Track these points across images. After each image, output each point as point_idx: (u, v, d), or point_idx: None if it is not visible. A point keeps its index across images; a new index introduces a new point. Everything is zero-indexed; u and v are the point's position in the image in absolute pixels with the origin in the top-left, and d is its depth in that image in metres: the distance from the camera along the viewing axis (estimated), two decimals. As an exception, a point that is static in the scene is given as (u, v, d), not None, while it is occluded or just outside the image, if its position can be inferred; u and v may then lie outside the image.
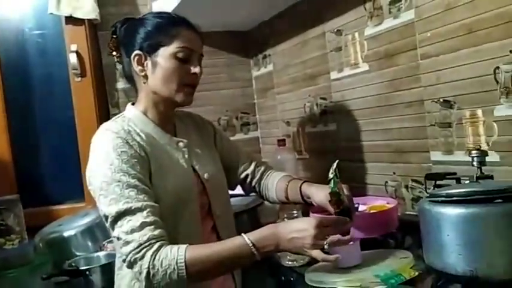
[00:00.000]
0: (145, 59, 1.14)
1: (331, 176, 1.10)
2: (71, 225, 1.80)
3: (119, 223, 1.00)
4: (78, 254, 1.72)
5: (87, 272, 1.54)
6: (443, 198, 0.87)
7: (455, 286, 0.90)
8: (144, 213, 0.99)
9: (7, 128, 1.99)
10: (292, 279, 1.24)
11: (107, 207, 1.01)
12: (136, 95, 1.21)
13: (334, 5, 1.71)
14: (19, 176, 2.01)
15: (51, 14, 1.92)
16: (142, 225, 0.98)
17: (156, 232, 0.99)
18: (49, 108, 2.08)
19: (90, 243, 1.79)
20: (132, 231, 0.98)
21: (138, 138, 1.10)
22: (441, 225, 0.86)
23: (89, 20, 1.99)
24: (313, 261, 1.26)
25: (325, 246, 1.01)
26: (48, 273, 1.49)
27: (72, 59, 1.97)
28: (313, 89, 1.94)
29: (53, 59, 2.08)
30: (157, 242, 0.98)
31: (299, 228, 1.01)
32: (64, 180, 2.05)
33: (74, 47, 1.98)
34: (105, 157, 1.04)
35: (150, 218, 0.99)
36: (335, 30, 1.74)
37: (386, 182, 1.59)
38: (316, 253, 1.01)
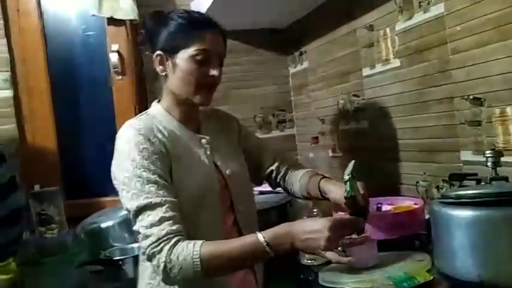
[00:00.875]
0: (166, 60, 1.16)
1: (346, 177, 1.07)
2: (110, 217, 1.88)
3: (140, 217, 1.03)
4: (115, 244, 1.80)
5: (120, 262, 1.61)
6: (452, 200, 0.83)
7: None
8: (164, 208, 1.02)
9: (54, 123, 2.12)
10: (310, 278, 1.23)
11: (129, 201, 1.05)
12: (161, 90, 1.24)
13: (365, 1, 1.67)
14: (64, 169, 2.13)
15: (94, 15, 2.02)
16: (161, 220, 1.01)
17: (174, 227, 1.01)
18: (92, 105, 2.18)
19: (126, 235, 1.86)
20: (151, 225, 1.01)
21: (160, 135, 1.13)
22: (449, 227, 0.83)
23: (129, 20, 2.07)
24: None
25: (339, 248, 1.00)
26: (83, 263, 1.57)
27: (113, 58, 2.06)
28: (345, 86, 1.90)
29: (96, 58, 2.18)
30: (175, 236, 1.00)
31: (313, 229, 1.00)
32: (105, 174, 2.14)
33: (115, 47, 2.07)
34: (127, 153, 1.08)
35: (169, 213, 1.02)
36: (366, 26, 1.70)
37: (418, 182, 1.53)
38: (330, 254, 1.00)
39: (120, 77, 2.10)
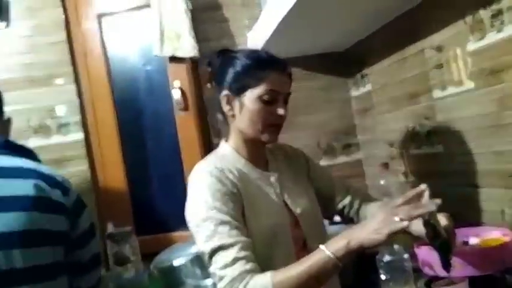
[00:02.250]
0: (233, 99, 1.17)
1: None
2: (181, 253, 1.90)
3: (214, 259, 1.04)
4: (188, 281, 1.81)
5: (196, 300, 1.62)
6: None
7: None
8: (236, 248, 1.02)
9: (123, 161, 2.19)
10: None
11: (203, 244, 1.06)
12: (228, 129, 1.24)
13: (432, 20, 1.60)
14: (134, 206, 2.19)
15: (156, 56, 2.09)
16: (234, 261, 1.01)
17: (248, 266, 1.01)
18: (158, 140, 2.24)
19: (198, 271, 1.87)
20: (225, 266, 1.02)
21: (230, 176, 1.14)
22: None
23: (189, 57, 2.12)
24: None
25: (396, 218, 0.96)
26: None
27: (176, 95, 2.11)
28: (415, 108, 1.82)
29: (159, 94, 2.24)
30: (248, 275, 1.00)
31: (370, 220, 1.03)
32: (173, 208, 2.18)
33: (177, 84, 2.13)
34: (199, 196, 1.10)
35: (242, 253, 1.02)
36: (435, 46, 1.62)
37: (503, 210, 1.42)
38: (395, 226, 0.97)
39: (183, 113, 2.14)
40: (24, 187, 1.01)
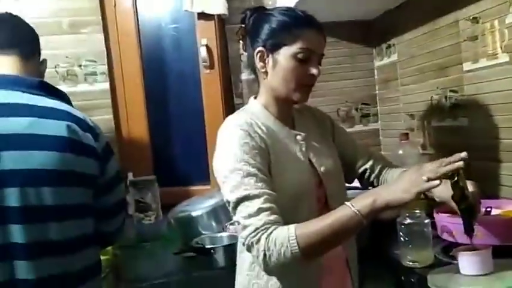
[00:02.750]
0: (267, 56, 1.17)
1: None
2: (198, 206, 1.95)
3: (239, 208, 1.05)
4: (203, 232, 1.87)
5: (212, 251, 1.67)
6: None
7: None
8: (262, 199, 1.04)
9: (147, 115, 2.21)
10: (412, 280, 1.21)
11: (229, 193, 1.08)
12: (258, 86, 1.25)
13: (471, -9, 1.59)
14: (155, 159, 2.23)
15: (186, 10, 2.08)
16: (259, 211, 1.02)
17: (272, 217, 1.02)
18: (181, 97, 2.26)
19: (214, 224, 1.92)
20: (250, 216, 1.03)
21: (259, 131, 1.15)
22: None
23: (218, 15, 2.11)
24: (436, 264, 1.22)
25: (424, 178, 0.97)
26: (179, 249, 1.64)
27: (203, 52, 2.11)
28: (442, 81, 1.82)
29: (185, 52, 2.24)
30: (272, 226, 1.01)
31: (398, 180, 1.04)
32: (193, 164, 2.23)
33: (204, 41, 2.12)
34: (228, 148, 1.11)
35: (267, 205, 1.03)
36: (470, 17, 1.61)
37: (524, 185, 1.45)
38: (426, 185, 0.97)
39: (208, 71, 2.15)
40: (57, 128, 1.04)
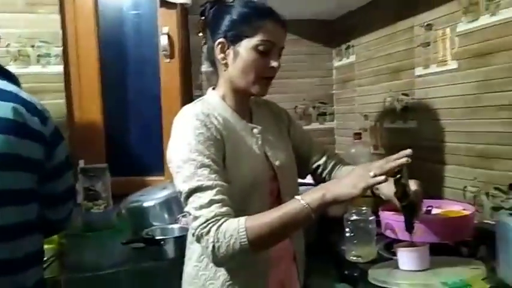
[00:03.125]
0: (228, 48, 1.16)
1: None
2: (151, 197, 1.92)
3: (190, 199, 1.05)
4: (155, 224, 1.85)
5: (162, 242, 1.65)
6: (524, 212, 0.82)
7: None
8: (214, 191, 1.03)
9: (101, 100, 2.16)
10: (355, 274, 1.24)
11: (181, 184, 1.07)
12: (217, 79, 1.25)
13: (426, -2, 1.65)
14: (108, 146, 2.18)
15: (148, -3, 2.04)
16: (211, 203, 1.02)
17: (223, 209, 1.02)
18: (139, 84, 2.21)
19: (166, 215, 1.90)
20: (201, 207, 1.02)
21: (215, 122, 1.14)
22: (519, 240, 0.82)
23: (180, 3, 2.08)
24: (378, 259, 1.27)
25: (371, 174, 1.00)
26: (127, 239, 1.61)
27: (163, 40, 2.08)
28: (395, 84, 1.88)
29: (146, 39, 2.20)
30: (222, 217, 1.01)
31: (347, 176, 1.06)
32: (148, 154, 2.20)
33: (165, 30, 2.09)
34: (183, 137, 1.10)
35: (219, 196, 1.03)
36: (424, 24, 1.67)
37: (466, 186, 1.52)
38: (372, 180, 1.00)
39: (168, 60, 2.12)
40: (2, 109, 1.00)
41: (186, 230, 1.72)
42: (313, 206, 1.01)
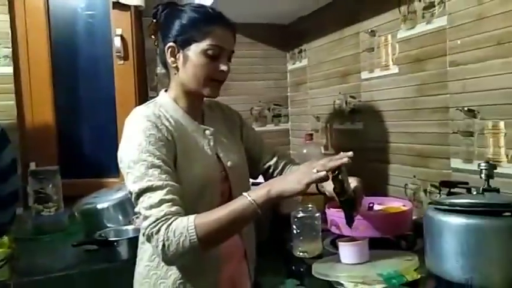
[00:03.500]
0: (178, 52, 1.19)
1: None
2: (105, 198, 1.92)
3: (141, 199, 1.07)
4: (109, 225, 1.84)
5: (115, 243, 1.66)
6: (446, 207, 0.90)
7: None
8: (164, 191, 1.06)
9: (53, 101, 2.13)
10: (301, 269, 1.30)
11: (132, 184, 1.08)
12: (169, 80, 1.27)
13: (370, 6, 1.73)
14: (61, 148, 2.15)
15: (101, -2, 2.04)
16: (161, 202, 1.04)
17: (173, 208, 1.05)
18: (92, 86, 2.20)
19: (120, 217, 1.90)
20: (151, 207, 1.04)
21: (167, 123, 1.17)
22: (442, 232, 0.90)
23: (134, 5, 2.09)
24: (323, 254, 1.33)
25: (314, 170, 1.06)
26: (78, 241, 1.61)
27: (117, 42, 2.08)
28: (344, 87, 1.96)
29: (99, 40, 2.20)
30: (172, 217, 1.04)
31: (291, 173, 1.13)
32: (102, 156, 2.19)
33: (118, 31, 2.10)
34: (134, 138, 1.12)
35: (169, 196, 1.06)
36: (369, 30, 1.76)
37: (407, 184, 1.61)
38: (315, 176, 1.05)
39: (122, 62, 2.12)
40: None
41: (140, 230, 1.74)
42: (259, 202, 1.05)
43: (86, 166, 2.19)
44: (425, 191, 1.52)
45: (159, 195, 1.05)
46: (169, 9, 1.24)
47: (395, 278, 1.05)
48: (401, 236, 1.37)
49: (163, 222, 1.03)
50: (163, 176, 1.08)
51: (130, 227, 1.81)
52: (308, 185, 1.06)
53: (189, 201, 1.11)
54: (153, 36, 1.30)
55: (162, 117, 1.18)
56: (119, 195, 1.95)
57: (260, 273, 1.37)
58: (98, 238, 1.70)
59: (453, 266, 0.87)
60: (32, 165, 1.89)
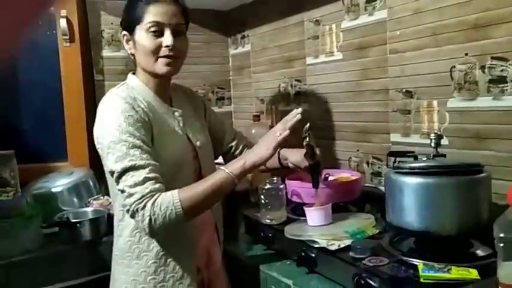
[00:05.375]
0: (130, 38, 1.26)
1: (305, 134, 1.31)
2: (58, 182, 1.92)
3: (123, 178, 1.13)
4: (64, 208, 1.85)
5: (78, 225, 1.69)
6: (406, 170, 1.10)
7: (410, 240, 1.16)
8: (147, 170, 1.13)
9: (-6, 85, 2.05)
10: (270, 234, 1.44)
11: (114, 163, 1.14)
12: (136, 65, 1.31)
13: (314, -3, 1.90)
14: (5, 133, 2.07)
15: (44, -22, 1.98)
16: (145, 180, 1.11)
17: (157, 185, 1.13)
18: (37, 70, 2.13)
19: (75, 200, 1.92)
20: (135, 185, 1.11)
21: (142, 105, 1.22)
22: (403, 191, 1.09)
23: (78, -14, 2.06)
24: (288, 221, 1.49)
25: (277, 134, 1.21)
26: (46, 223, 1.61)
27: (62, 24, 2.04)
28: (289, 71, 2.13)
29: (43, 22, 2.13)
30: (156, 193, 1.12)
31: (258, 143, 1.26)
32: (49, 140, 2.14)
33: (63, 12, 2.05)
34: (113, 120, 1.16)
35: (152, 174, 1.13)
36: (313, 20, 1.93)
37: (350, 158, 1.82)
38: (279, 137, 1.20)
39: (68, 44, 2.09)
40: None
41: (100, 212, 1.78)
42: (236, 173, 1.17)
43: (34, 151, 2.12)
44: (367, 162, 1.75)
45: (142, 173, 1.12)
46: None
47: (359, 233, 1.24)
48: (349, 202, 1.57)
49: (149, 198, 1.11)
50: (145, 156, 1.14)
51: (89, 209, 1.84)
52: (276, 148, 1.20)
53: (167, 179, 1.18)
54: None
55: (137, 99, 1.22)
56: (72, 178, 1.96)
57: (229, 242, 1.49)
58: (60, 220, 1.71)
59: (413, 218, 1.07)
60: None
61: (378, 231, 1.27)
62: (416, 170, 1.08)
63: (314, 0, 1.91)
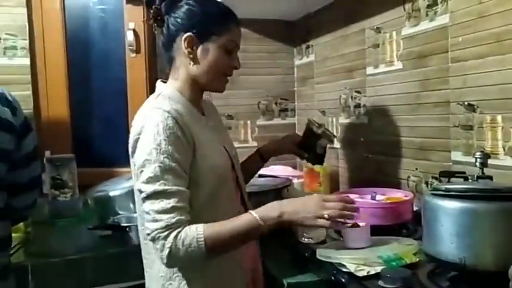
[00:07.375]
0: (196, 43, 1.18)
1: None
2: (117, 186, 1.99)
3: (152, 200, 1.05)
4: (120, 212, 1.92)
5: (127, 229, 1.73)
6: (442, 192, 0.96)
7: (450, 274, 1.01)
8: (177, 198, 1.05)
9: (68, 93, 2.21)
10: (306, 254, 1.36)
11: (145, 184, 1.06)
12: (170, 70, 1.25)
13: (376, 3, 1.79)
14: (75, 139, 2.23)
15: (114, -7, 2.11)
16: (173, 209, 1.04)
17: (183, 217, 1.06)
18: (105, 78, 2.28)
19: (131, 204, 1.97)
20: (163, 211, 1.04)
21: (186, 118, 1.14)
22: (438, 215, 0.96)
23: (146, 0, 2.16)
24: (326, 240, 1.39)
25: (325, 215, 1.09)
26: (94, 225, 1.68)
27: (129, 36, 2.15)
28: (349, 82, 2.02)
29: (112, 34, 2.27)
30: (182, 225, 1.05)
31: (303, 201, 1.14)
32: (114, 146, 2.26)
33: (131, 25, 2.17)
34: (153, 136, 1.07)
35: (181, 204, 1.06)
36: (374, 27, 1.81)
37: (409, 176, 1.67)
38: (322, 222, 1.10)
39: (134, 55, 2.19)
40: None
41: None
42: (269, 224, 1.08)
43: (99, 155, 2.26)
44: (426, 183, 1.58)
45: (171, 201, 1.05)
46: (172, 2, 1.21)
47: (395, 260, 1.11)
48: (403, 225, 1.44)
49: (173, 229, 1.04)
50: (178, 181, 1.07)
51: (142, 215, 1.89)
52: (314, 224, 1.12)
53: (211, 191, 1.14)
54: (155, 25, 1.25)
55: (180, 112, 1.13)
56: (130, 183, 2.02)
57: (268, 259, 1.43)
58: (111, 223, 1.78)
59: (448, 247, 0.93)
60: (47, 154, 1.96)
61: (418, 259, 1.13)
62: (452, 193, 0.94)
63: (375, 6, 1.79)
